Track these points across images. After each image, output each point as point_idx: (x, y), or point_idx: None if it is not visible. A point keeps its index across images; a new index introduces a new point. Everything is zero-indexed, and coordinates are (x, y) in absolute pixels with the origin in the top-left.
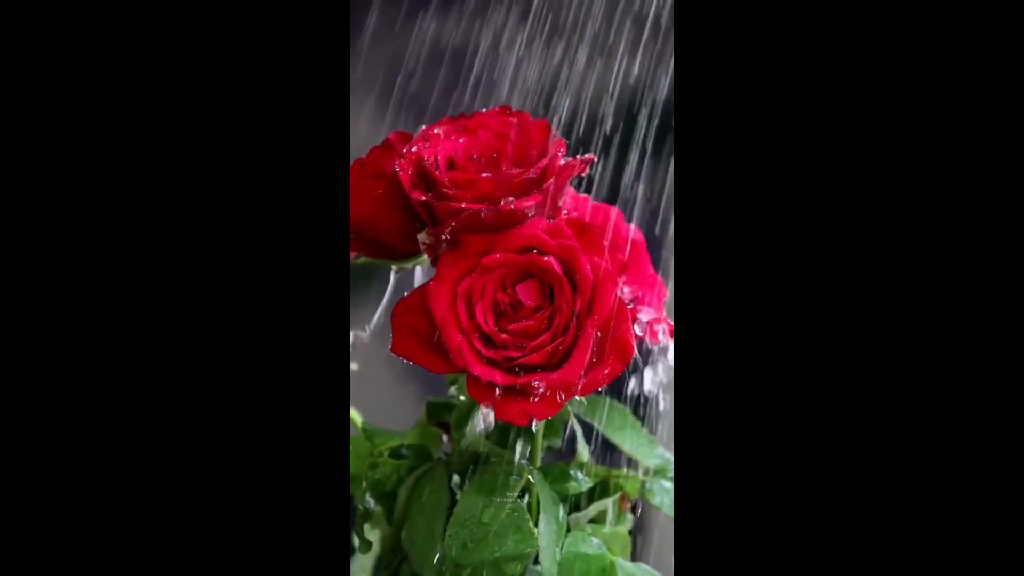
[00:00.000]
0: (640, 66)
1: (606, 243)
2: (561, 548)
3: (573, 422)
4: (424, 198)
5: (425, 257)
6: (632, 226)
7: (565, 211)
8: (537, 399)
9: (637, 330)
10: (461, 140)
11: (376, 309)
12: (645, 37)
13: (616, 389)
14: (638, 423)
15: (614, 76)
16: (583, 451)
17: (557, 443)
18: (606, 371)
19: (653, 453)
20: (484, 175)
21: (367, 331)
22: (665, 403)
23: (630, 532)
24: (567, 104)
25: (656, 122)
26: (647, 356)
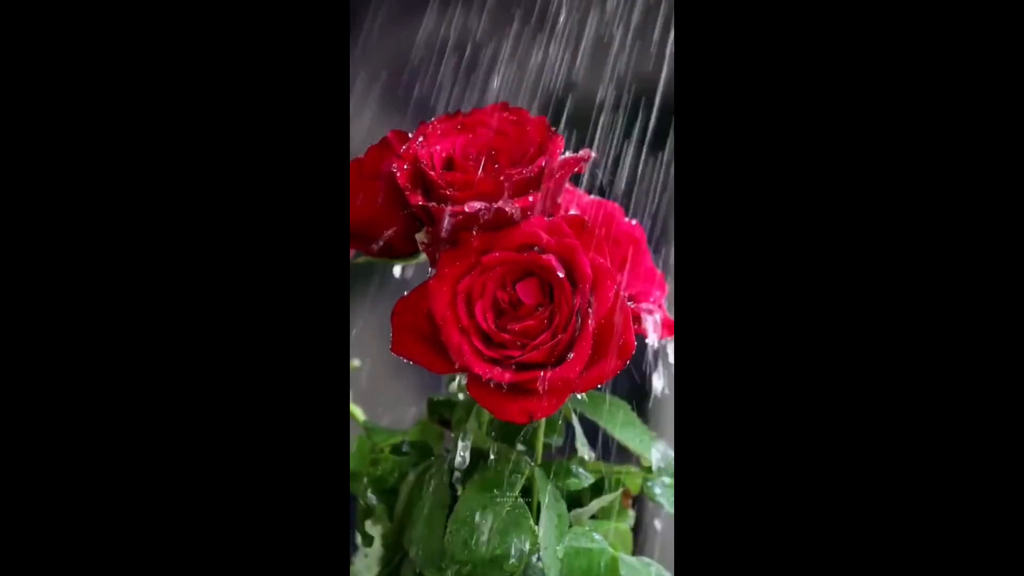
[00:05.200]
0: (640, 61)
1: (605, 240)
2: (563, 544)
3: (574, 419)
4: (422, 202)
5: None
6: (632, 221)
7: (564, 207)
8: (538, 396)
9: (637, 326)
10: (459, 138)
11: (376, 309)
12: (645, 32)
13: (617, 385)
14: (639, 419)
15: (613, 71)
16: (584, 447)
17: (558, 440)
18: (606, 368)
19: (654, 449)
20: (482, 175)
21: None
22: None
23: (632, 528)
24: (565, 100)
25: (656, 117)
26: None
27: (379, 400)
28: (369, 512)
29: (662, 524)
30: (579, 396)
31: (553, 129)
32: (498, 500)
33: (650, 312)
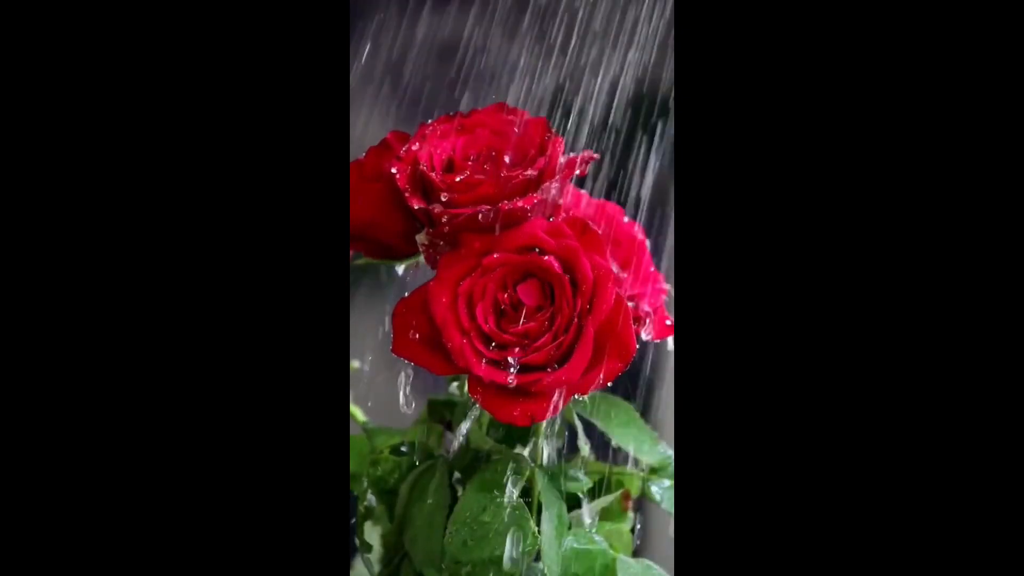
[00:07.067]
0: (640, 62)
1: (606, 241)
2: (563, 545)
3: (575, 420)
4: (422, 205)
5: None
6: (633, 223)
7: (565, 208)
8: (538, 399)
9: (637, 327)
10: (458, 139)
11: (376, 309)
12: (645, 32)
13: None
14: (640, 420)
15: (613, 72)
16: (585, 449)
17: (558, 442)
18: (607, 370)
19: (655, 450)
20: (482, 177)
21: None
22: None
23: (632, 529)
24: (565, 100)
25: (656, 118)
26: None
27: (379, 399)
28: (369, 513)
29: (662, 525)
30: (579, 397)
31: (553, 130)
32: (498, 501)
33: (650, 314)
